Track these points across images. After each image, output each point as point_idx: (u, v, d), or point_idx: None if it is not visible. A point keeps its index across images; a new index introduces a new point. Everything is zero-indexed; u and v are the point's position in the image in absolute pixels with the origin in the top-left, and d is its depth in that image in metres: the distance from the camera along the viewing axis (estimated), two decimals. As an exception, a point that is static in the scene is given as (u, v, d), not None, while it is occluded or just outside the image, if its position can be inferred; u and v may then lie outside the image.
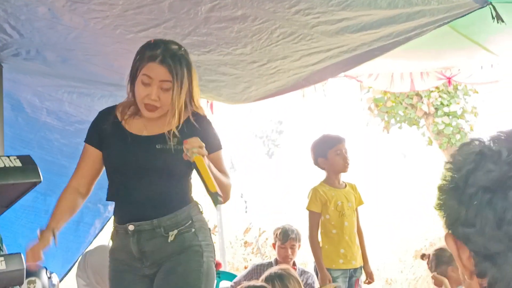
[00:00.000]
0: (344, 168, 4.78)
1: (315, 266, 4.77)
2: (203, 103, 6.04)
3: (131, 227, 3.01)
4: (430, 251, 4.59)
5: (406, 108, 10.82)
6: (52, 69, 4.21)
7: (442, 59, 6.08)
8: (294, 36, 3.74)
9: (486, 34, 4.81)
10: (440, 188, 1.23)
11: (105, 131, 3.09)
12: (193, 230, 3.02)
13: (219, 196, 2.73)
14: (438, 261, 4.31)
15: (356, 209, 4.84)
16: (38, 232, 3.07)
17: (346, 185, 4.87)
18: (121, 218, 3.08)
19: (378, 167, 12.70)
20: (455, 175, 1.19)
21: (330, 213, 4.71)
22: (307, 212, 4.79)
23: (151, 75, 2.95)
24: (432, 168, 12.31)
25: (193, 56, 3.88)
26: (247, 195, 11.61)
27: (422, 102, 10.51)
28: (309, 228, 4.71)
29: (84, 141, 3.16)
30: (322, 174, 4.91)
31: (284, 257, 5.38)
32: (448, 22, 3.88)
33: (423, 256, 4.49)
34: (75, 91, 4.70)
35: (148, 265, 3.05)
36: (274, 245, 5.55)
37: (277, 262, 5.41)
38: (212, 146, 3.02)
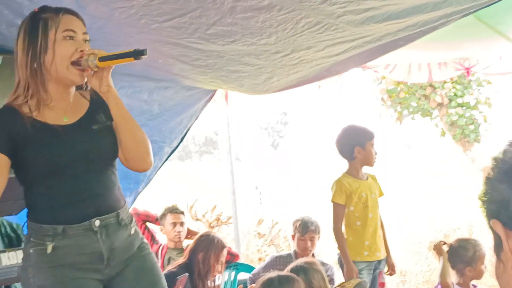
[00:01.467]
0: (373, 162, 4.77)
1: (339, 259, 4.74)
2: (219, 94, 6.01)
3: (97, 223, 2.65)
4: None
5: (419, 99, 10.78)
6: (74, 60, 4.17)
7: (461, 49, 6.04)
8: (319, 26, 3.71)
9: (509, 25, 4.77)
10: (489, 176, 1.25)
11: (20, 133, 2.61)
12: (134, 221, 2.84)
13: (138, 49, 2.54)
14: (459, 259, 4.29)
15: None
16: None
17: (368, 177, 4.84)
18: (72, 218, 2.64)
19: (391, 158, 12.66)
20: (506, 162, 1.21)
21: (354, 205, 4.69)
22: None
23: (74, 29, 2.64)
24: (445, 159, 12.26)
25: (217, 46, 3.86)
26: (261, 187, 11.60)
27: (436, 93, 10.46)
28: (334, 220, 4.68)
29: None
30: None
31: (303, 249, 5.37)
32: (474, 11, 3.85)
33: (442, 244, 4.45)
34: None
35: (113, 264, 2.73)
36: (293, 236, 5.53)
37: (296, 254, 5.39)
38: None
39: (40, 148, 2.60)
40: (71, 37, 2.63)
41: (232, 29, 3.63)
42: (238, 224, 7.94)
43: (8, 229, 4.10)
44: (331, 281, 5.09)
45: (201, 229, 8.45)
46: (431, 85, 10.33)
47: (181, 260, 4.94)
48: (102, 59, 2.59)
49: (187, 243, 5.69)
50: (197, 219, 9.36)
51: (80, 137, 2.66)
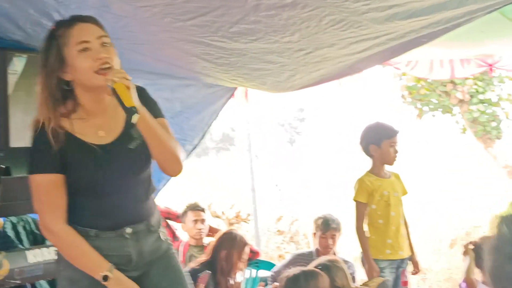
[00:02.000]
0: (393, 161, 4.73)
1: (362, 257, 4.72)
2: (240, 92, 6.01)
3: (128, 230, 2.74)
4: (466, 240, 4.53)
5: (440, 95, 10.73)
6: (97, 58, 4.18)
7: (485, 46, 5.99)
8: (343, 24, 3.68)
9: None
10: None
11: (66, 151, 2.63)
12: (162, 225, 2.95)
13: (134, 109, 2.48)
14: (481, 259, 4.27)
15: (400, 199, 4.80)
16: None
17: (391, 175, 4.81)
18: (109, 226, 2.72)
19: (411, 155, 12.60)
20: None
21: (377, 203, 4.66)
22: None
23: (86, 39, 2.61)
24: (465, 156, 12.19)
25: (240, 44, 3.86)
26: (281, 184, 11.60)
27: (457, 90, 10.41)
28: (356, 218, 4.66)
29: (40, 172, 2.63)
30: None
31: (324, 247, 5.36)
32: (500, 7, 3.81)
33: (470, 244, 4.42)
34: (117, 80, 4.68)
35: (140, 266, 2.81)
36: (314, 234, 5.52)
37: (317, 251, 5.39)
38: (156, 112, 2.80)
39: (77, 167, 2.63)
40: (86, 49, 2.60)
41: (255, 27, 3.62)
42: (258, 221, 7.93)
43: (33, 226, 4.13)
44: (353, 278, 5.08)
45: (220, 226, 8.46)
46: (452, 82, 10.27)
47: (203, 257, 4.95)
48: (117, 87, 2.52)
49: (208, 241, 5.70)
50: (216, 216, 9.37)
51: (117, 157, 2.68)
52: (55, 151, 2.59)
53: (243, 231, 9.13)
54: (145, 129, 2.60)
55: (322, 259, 4.07)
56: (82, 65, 2.58)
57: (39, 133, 2.62)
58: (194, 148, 5.27)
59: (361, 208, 4.67)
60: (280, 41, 3.83)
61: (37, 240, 4.14)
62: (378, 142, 4.76)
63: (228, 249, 4.81)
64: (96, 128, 2.69)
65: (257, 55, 4.04)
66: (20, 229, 4.03)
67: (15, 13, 3.49)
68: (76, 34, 2.61)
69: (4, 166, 2.68)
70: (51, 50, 2.61)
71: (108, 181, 2.67)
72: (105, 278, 2.61)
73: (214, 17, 3.47)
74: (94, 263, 2.64)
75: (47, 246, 3.13)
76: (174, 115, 5.03)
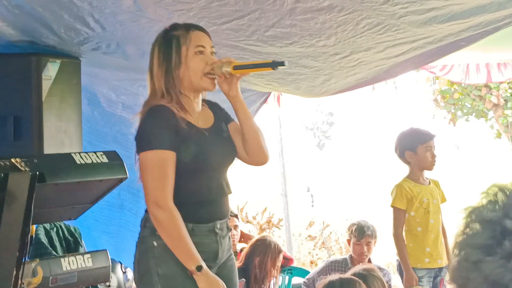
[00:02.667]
0: (431, 166, 4.64)
1: (398, 265, 4.64)
2: (272, 97, 5.95)
3: (218, 225, 2.94)
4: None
5: (474, 100, 10.58)
6: (130, 63, 4.17)
7: (522, 49, 5.88)
8: (380, 27, 3.63)
9: None
10: None
11: (182, 130, 2.86)
12: None
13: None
14: None
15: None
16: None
17: (430, 182, 4.72)
18: (202, 218, 2.90)
19: (444, 161, 12.46)
20: None
21: (415, 210, 4.57)
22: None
23: (204, 44, 2.92)
24: (500, 161, 12.02)
25: (275, 48, 3.81)
26: (313, 189, 11.52)
27: (491, 94, 10.26)
28: (394, 225, 4.58)
29: (156, 148, 2.82)
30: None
31: (359, 254, 5.27)
32: (541, 11, 3.71)
33: None
34: (151, 85, 4.66)
35: (219, 264, 2.99)
36: (348, 241, 5.44)
37: (352, 259, 5.31)
38: (230, 117, 3.14)
39: (195, 149, 2.85)
40: (201, 52, 2.90)
41: (291, 30, 3.58)
42: (290, 227, 7.87)
43: (66, 233, 4.12)
44: (388, 287, 4.99)
45: (252, 231, 8.41)
46: (486, 86, 10.13)
47: (236, 264, 4.89)
48: (237, 67, 2.89)
49: (241, 247, 5.65)
50: (247, 221, 9.33)
51: (220, 141, 2.97)
52: (173, 129, 2.81)
53: (275, 236, 9.09)
54: (244, 114, 2.96)
55: (358, 268, 3.99)
56: (196, 65, 2.88)
57: (158, 110, 2.84)
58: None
59: (399, 215, 4.58)
60: (315, 45, 3.78)
61: (70, 247, 4.13)
62: (413, 148, 4.67)
63: (262, 256, 4.76)
64: (195, 118, 2.94)
65: (292, 59, 3.98)
66: (54, 235, 4.01)
67: (49, 18, 3.47)
68: (194, 37, 2.91)
69: (38, 173, 2.64)
70: (171, 47, 2.89)
71: (214, 164, 2.92)
72: (199, 268, 2.75)
73: (250, 21, 3.43)
74: (191, 252, 2.76)
75: (82, 254, 3.10)
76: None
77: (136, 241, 3.01)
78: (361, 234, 5.25)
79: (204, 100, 3.06)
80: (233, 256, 3.11)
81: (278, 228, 9.25)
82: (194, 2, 3.21)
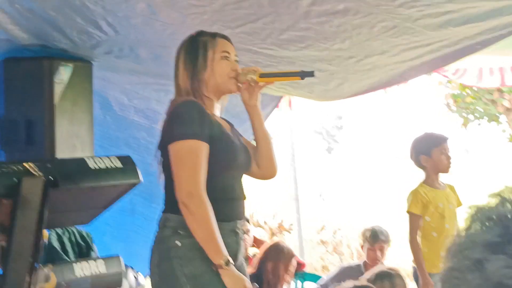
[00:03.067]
0: (447, 169, 4.60)
1: (414, 272, 4.59)
2: (284, 100, 5.92)
3: (238, 225, 2.95)
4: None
5: (486, 104, 10.53)
6: (143, 67, 4.15)
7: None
8: (395, 30, 3.59)
9: None
10: None
11: (213, 124, 2.90)
12: None
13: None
14: None
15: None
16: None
17: (445, 187, 4.68)
18: (226, 216, 2.87)
19: (456, 165, 12.40)
20: None
21: (431, 215, 4.53)
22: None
23: (229, 51, 2.99)
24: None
25: (289, 52, 3.78)
26: (325, 194, 11.48)
27: (504, 98, 10.20)
28: (410, 231, 4.53)
29: (190, 138, 2.80)
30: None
31: (373, 259, 5.23)
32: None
33: None
34: (163, 88, 4.62)
35: (236, 266, 2.90)
36: (362, 246, 5.40)
37: (365, 264, 5.27)
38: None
39: (225, 144, 2.89)
40: (227, 58, 2.97)
41: (305, 34, 3.55)
42: (301, 232, 7.83)
43: (78, 237, 4.09)
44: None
45: (262, 236, 8.37)
46: (498, 90, 10.06)
47: (249, 269, 4.86)
48: (263, 75, 2.98)
49: (253, 252, 5.62)
50: (258, 226, 9.30)
51: (241, 145, 3.02)
52: (206, 122, 2.84)
53: (286, 241, 9.04)
54: (260, 125, 3.05)
55: (383, 267, 4.02)
56: (222, 69, 2.94)
57: (190, 102, 2.88)
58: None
59: (415, 220, 4.53)
60: (330, 48, 3.75)
61: (82, 252, 4.10)
62: (428, 152, 4.63)
63: (274, 261, 4.72)
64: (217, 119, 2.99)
65: (305, 63, 3.95)
66: (66, 240, 3.99)
67: (62, 22, 3.45)
68: (221, 43, 2.99)
69: (52, 178, 2.62)
70: (199, 51, 2.95)
71: (239, 164, 2.96)
72: (227, 263, 2.74)
73: (264, 24, 3.42)
74: (220, 246, 2.75)
75: (95, 259, 3.08)
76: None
77: (152, 244, 2.96)
78: (375, 239, 5.21)
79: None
80: (244, 262, 3.08)
81: (289, 232, 9.21)
82: (208, 5, 3.19)
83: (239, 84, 2.99)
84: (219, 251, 2.74)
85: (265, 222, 9.50)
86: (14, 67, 3.87)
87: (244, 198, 3.01)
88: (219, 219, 2.80)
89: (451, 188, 4.72)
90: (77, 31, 3.57)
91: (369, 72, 4.20)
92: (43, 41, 3.73)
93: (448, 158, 4.62)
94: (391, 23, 3.51)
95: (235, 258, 2.87)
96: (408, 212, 4.57)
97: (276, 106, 5.24)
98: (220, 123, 2.98)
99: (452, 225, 4.54)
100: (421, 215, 4.53)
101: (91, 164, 2.89)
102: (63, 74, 3.91)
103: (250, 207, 8.72)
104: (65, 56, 3.92)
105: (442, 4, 3.36)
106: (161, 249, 2.87)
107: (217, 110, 3.03)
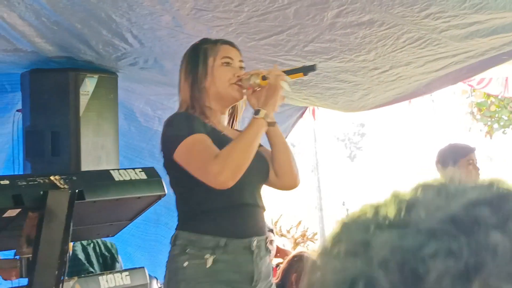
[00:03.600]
0: (476, 179, 4.55)
1: None
2: (307, 110, 5.90)
3: (255, 243, 2.66)
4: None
5: (511, 112, 10.42)
6: (167, 78, 4.15)
7: None
8: (421, 41, 3.57)
9: None
10: None
11: (207, 127, 2.71)
12: None
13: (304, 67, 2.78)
14: None
15: None
16: None
17: None
18: (237, 229, 2.66)
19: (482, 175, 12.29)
20: None
21: None
22: None
23: (231, 56, 2.81)
24: (537, 174, 11.82)
25: (313, 63, 3.76)
26: (348, 203, 11.43)
27: (529, 106, 10.10)
28: None
29: (192, 133, 2.64)
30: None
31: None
32: None
33: None
34: (187, 99, 4.64)
35: None
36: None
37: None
38: None
39: (220, 145, 2.64)
40: (228, 64, 2.80)
41: (330, 45, 3.54)
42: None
43: (103, 248, 4.11)
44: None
45: (286, 245, 8.33)
46: (523, 98, 9.96)
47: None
48: (265, 78, 2.73)
49: (276, 262, 5.59)
50: (281, 235, 9.25)
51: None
52: (201, 125, 2.68)
53: (311, 251, 9.00)
54: (274, 130, 2.76)
55: None
56: (222, 76, 2.77)
57: (179, 113, 2.78)
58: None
59: None
60: (355, 59, 3.74)
61: (107, 263, 4.12)
62: (454, 163, 4.58)
63: (299, 272, 4.69)
64: (220, 127, 2.79)
65: (330, 74, 3.94)
66: (91, 251, 4.00)
67: (88, 34, 3.47)
68: (222, 50, 2.82)
69: (77, 190, 2.63)
70: (199, 58, 2.80)
71: (248, 170, 2.64)
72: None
73: (288, 36, 3.41)
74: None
75: (120, 272, 3.08)
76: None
77: (167, 259, 2.82)
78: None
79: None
80: (272, 284, 2.82)
81: (313, 242, 9.15)
82: (233, 17, 3.19)
83: (242, 87, 2.78)
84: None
85: (288, 231, 9.45)
86: (40, 79, 3.90)
87: (261, 208, 2.76)
88: (229, 235, 2.62)
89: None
90: (103, 43, 3.58)
91: (394, 83, 4.18)
92: (68, 53, 3.75)
93: (476, 168, 4.56)
94: (416, 34, 3.50)
95: (249, 280, 2.66)
96: None
97: (300, 116, 5.24)
98: (219, 129, 2.76)
99: None
100: None
101: (116, 176, 2.89)
102: (89, 85, 3.94)
103: (273, 216, 8.70)
104: (90, 68, 3.95)
105: (469, 15, 3.33)
106: (170, 269, 2.70)
107: (223, 120, 2.84)
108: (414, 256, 0.56)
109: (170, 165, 2.74)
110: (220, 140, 2.67)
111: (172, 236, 2.75)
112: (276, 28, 3.32)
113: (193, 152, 2.63)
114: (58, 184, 2.63)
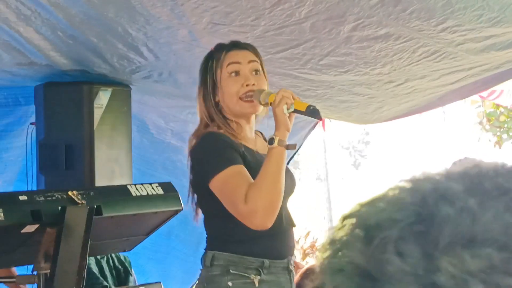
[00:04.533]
0: None
1: None
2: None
3: (291, 261, 2.68)
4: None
5: (520, 122, 10.41)
6: (181, 91, 4.15)
7: None
8: (437, 55, 3.57)
9: None
10: None
11: (244, 154, 2.61)
12: None
13: (311, 106, 2.53)
14: None
15: None
16: None
17: None
18: (279, 252, 2.65)
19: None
20: None
21: None
22: None
23: (238, 60, 2.66)
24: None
25: (329, 76, 3.76)
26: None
27: (538, 117, 10.08)
28: None
29: (229, 166, 2.53)
30: None
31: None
32: None
33: None
34: (200, 112, 4.64)
35: None
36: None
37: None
38: None
39: (255, 168, 2.56)
40: (236, 72, 2.66)
41: (346, 59, 3.54)
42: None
43: (116, 262, 4.09)
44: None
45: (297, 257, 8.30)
46: (532, 109, 9.94)
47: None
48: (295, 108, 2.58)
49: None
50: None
51: None
52: (236, 149, 2.58)
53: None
54: (276, 161, 2.53)
55: None
56: (230, 89, 2.64)
57: (212, 135, 2.62)
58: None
59: None
60: (370, 73, 3.73)
61: (120, 276, 4.09)
62: None
63: (312, 286, 4.67)
64: (252, 145, 2.70)
65: (345, 87, 3.93)
66: (104, 264, 3.98)
67: (103, 48, 3.47)
68: (227, 58, 2.68)
69: (95, 206, 2.62)
70: (207, 71, 2.70)
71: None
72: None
73: (305, 50, 3.40)
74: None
75: (136, 287, 3.06)
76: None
77: (197, 282, 2.77)
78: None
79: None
80: None
81: (322, 253, 9.12)
82: (249, 31, 3.19)
83: (252, 101, 2.63)
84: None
85: (296, 242, 9.41)
86: (54, 92, 3.90)
87: (293, 225, 2.74)
88: (272, 257, 2.62)
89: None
90: (118, 57, 3.58)
91: (408, 96, 4.17)
92: (83, 66, 3.75)
93: None
94: (433, 47, 3.49)
95: None
96: None
97: (313, 128, 5.22)
98: (252, 148, 2.67)
99: None
100: None
101: (133, 191, 2.88)
102: (103, 98, 3.93)
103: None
104: (104, 81, 3.94)
105: (485, 29, 3.33)
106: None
107: (250, 131, 2.73)
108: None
109: (204, 190, 2.65)
110: (256, 161, 2.60)
111: (204, 257, 2.69)
112: (292, 42, 3.32)
113: (226, 188, 2.54)
114: (76, 200, 2.62)
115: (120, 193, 2.85)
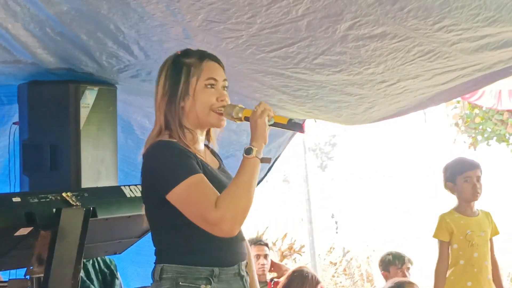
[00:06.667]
0: (472, 197, 4.47)
1: None
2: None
3: (243, 267, 2.63)
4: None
5: (495, 124, 10.45)
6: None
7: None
8: (431, 55, 3.53)
9: None
10: None
11: (199, 164, 2.54)
12: None
13: (291, 120, 2.55)
14: None
15: (491, 240, 4.53)
16: None
17: (479, 213, 4.57)
18: (229, 260, 2.61)
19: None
20: None
21: (458, 243, 4.42)
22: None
23: (216, 77, 2.59)
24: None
25: (321, 76, 3.72)
26: (338, 215, 11.40)
27: (514, 118, 10.14)
28: (439, 258, 4.44)
29: (189, 175, 2.46)
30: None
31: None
32: None
33: None
34: (185, 112, 4.56)
35: None
36: (384, 274, 5.35)
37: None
38: None
39: (212, 183, 2.48)
40: (212, 86, 2.59)
41: (340, 58, 3.49)
42: (315, 254, 7.74)
43: (102, 265, 4.01)
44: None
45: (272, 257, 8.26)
46: (508, 110, 9.99)
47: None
48: (248, 119, 2.53)
49: (271, 276, 5.53)
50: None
51: (227, 183, 2.56)
52: (192, 157, 2.50)
53: (300, 263, 8.92)
54: (251, 171, 2.48)
55: (402, 279, 4.03)
56: (205, 99, 2.56)
57: (171, 144, 2.52)
58: (261, 180, 5.11)
59: (441, 247, 4.44)
60: (363, 72, 3.69)
61: (106, 279, 4.02)
62: (453, 179, 4.55)
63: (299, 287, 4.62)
64: (201, 155, 2.60)
65: (337, 87, 3.89)
66: (90, 268, 3.90)
67: (93, 46, 3.39)
68: (207, 69, 2.59)
69: (91, 208, 2.54)
70: (180, 76, 2.57)
71: None
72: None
73: (299, 48, 3.35)
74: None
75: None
76: (240, 148, 4.82)
77: None
78: (402, 261, 5.22)
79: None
80: None
81: (300, 254, 9.09)
82: (244, 29, 3.12)
83: (222, 115, 2.58)
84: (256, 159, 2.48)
85: (274, 244, 9.37)
86: (39, 91, 3.80)
87: (243, 239, 2.69)
88: (221, 264, 2.56)
89: (487, 215, 4.60)
90: (107, 55, 3.50)
91: (399, 96, 4.13)
92: (69, 64, 3.66)
93: (474, 186, 4.50)
94: (427, 47, 3.45)
95: None
96: (434, 237, 4.49)
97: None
98: (205, 160, 2.61)
99: (482, 253, 4.42)
100: (448, 242, 4.43)
101: (127, 192, 2.83)
102: (89, 98, 3.84)
103: (259, 228, 8.63)
104: (90, 80, 3.85)
105: (481, 28, 3.29)
106: None
107: (201, 142, 2.66)
108: None
109: (157, 201, 2.54)
110: (210, 173, 2.54)
111: (153, 271, 2.60)
112: (287, 40, 3.26)
113: (191, 197, 2.46)
114: (71, 201, 2.55)
115: (114, 194, 2.79)
